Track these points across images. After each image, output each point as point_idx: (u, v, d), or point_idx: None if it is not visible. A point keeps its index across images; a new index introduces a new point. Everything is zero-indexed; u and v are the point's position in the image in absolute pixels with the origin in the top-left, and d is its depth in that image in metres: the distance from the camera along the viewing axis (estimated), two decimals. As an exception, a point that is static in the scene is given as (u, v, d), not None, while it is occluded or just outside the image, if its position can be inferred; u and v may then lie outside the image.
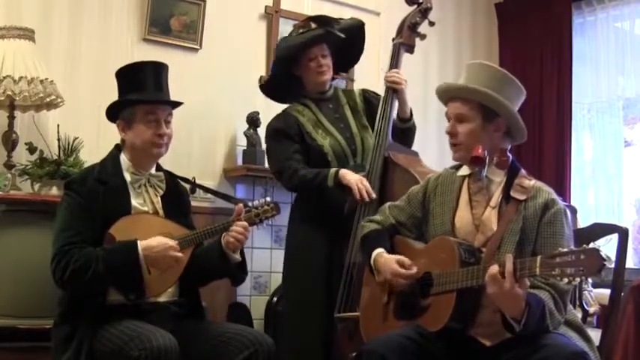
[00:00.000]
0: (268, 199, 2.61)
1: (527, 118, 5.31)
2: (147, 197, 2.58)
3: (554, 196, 2.28)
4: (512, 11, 5.20)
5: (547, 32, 4.95)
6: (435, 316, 2.21)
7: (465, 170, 2.39)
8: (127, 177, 2.57)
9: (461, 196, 2.35)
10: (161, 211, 2.59)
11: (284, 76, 3.26)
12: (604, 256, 1.85)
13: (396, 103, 3.19)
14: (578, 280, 1.89)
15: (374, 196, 2.96)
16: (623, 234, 2.62)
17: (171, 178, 2.70)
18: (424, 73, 4.72)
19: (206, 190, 2.89)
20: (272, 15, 4.29)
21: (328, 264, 3.11)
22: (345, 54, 3.33)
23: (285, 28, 4.29)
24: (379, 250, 2.42)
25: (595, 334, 2.68)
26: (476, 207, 2.31)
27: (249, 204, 2.58)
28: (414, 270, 2.29)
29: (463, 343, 2.19)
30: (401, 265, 2.31)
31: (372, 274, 2.46)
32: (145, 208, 2.56)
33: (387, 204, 2.60)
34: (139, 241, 2.41)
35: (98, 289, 2.40)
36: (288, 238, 3.29)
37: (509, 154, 2.32)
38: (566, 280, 1.88)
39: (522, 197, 2.24)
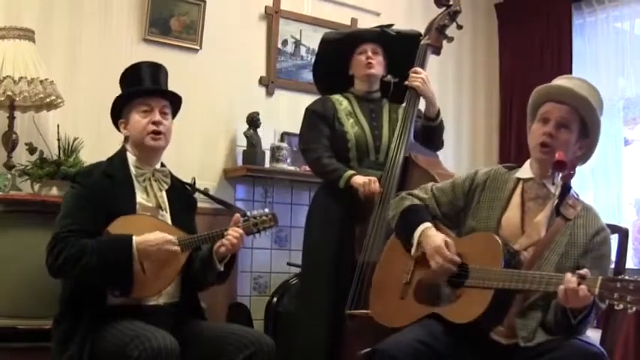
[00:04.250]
0: (267, 210, 2.62)
1: (527, 118, 5.30)
2: (151, 192, 2.58)
3: (602, 221, 2.32)
4: (512, 11, 5.20)
5: (547, 32, 4.95)
6: (464, 309, 2.19)
7: (523, 173, 2.39)
8: (133, 171, 2.58)
9: (513, 197, 2.35)
10: (165, 205, 2.60)
11: (339, 73, 3.34)
12: None
13: (421, 102, 3.23)
14: (634, 308, 1.91)
15: (377, 190, 3.02)
16: (623, 234, 2.62)
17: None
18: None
19: (207, 195, 2.89)
20: (272, 15, 4.29)
21: (338, 263, 3.15)
22: (399, 62, 3.34)
23: (285, 28, 4.30)
24: (428, 224, 2.38)
25: (595, 334, 2.68)
26: (527, 212, 2.32)
27: (248, 213, 2.58)
28: (456, 257, 2.27)
29: (478, 344, 2.20)
30: (447, 245, 2.29)
31: (404, 247, 2.43)
32: (150, 204, 2.56)
33: (431, 184, 2.58)
34: (134, 236, 2.41)
35: (87, 280, 2.40)
36: (304, 237, 3.36)
37: (575, 171, 2.32)
38: (622, 306, 1.91)
39: (571, 216, 2.27)
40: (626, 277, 1.93)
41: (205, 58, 4.04)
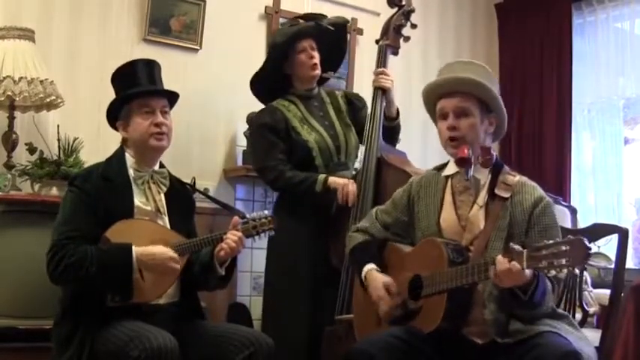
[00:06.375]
0: (266, 212, 2.60)
1: (527, 118, 5.33)
2: (150, 195, 2.57)
3: (541, 190, 2.30)
4: (512, 11, 5.20)
5: (547, 32, 4.95)
6: (427, 318, 2.20)
7: (449, 170, 2.38)
8: (131, 173, 2.57)
9: (445, 197, 2.35)
10: (163, 208, 2.59)
11: (274, 73, 3.28)
12: (588, 245, 1.84)
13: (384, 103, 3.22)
14: (565, 271, 1.89)
15: (352, 202, 3.00)
16: (623, 234, 2.62)
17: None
18: (424, 73, 4.70)
19: (207, 197, 2.88)
20: (272, 15, 4.29)
21: (313, 265, 3.12)
22: (330, 54, 3.35)
23: (285, 28, 4.30)
24: (370, 266, 2.41)
25: (595, 334, 2.69)
26: (460, 207, 2.31)
27: (247, 216, 2.57)
28: (398, 300, 2.30)
29: (455, 343, 2.19)
30: (388, 289, 2.32)
31: (361, 285, 2.46)
32: (148, 207, 2.56)
33: (375, 209, 2.59)
34: (136, 247, 2.41)
35: (87, 288, 2.40)
36: (266, 265, 3.31)
37: (492, 152, 2.32)
38: (553, 272, 1.87)
39: (507, 195, 2.25)
40: (550, 242, 1.89)
41: (205, 58, 4.04)
